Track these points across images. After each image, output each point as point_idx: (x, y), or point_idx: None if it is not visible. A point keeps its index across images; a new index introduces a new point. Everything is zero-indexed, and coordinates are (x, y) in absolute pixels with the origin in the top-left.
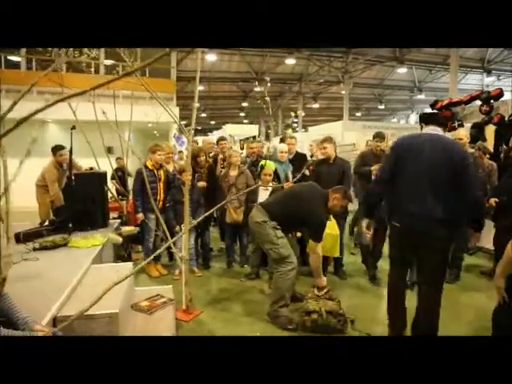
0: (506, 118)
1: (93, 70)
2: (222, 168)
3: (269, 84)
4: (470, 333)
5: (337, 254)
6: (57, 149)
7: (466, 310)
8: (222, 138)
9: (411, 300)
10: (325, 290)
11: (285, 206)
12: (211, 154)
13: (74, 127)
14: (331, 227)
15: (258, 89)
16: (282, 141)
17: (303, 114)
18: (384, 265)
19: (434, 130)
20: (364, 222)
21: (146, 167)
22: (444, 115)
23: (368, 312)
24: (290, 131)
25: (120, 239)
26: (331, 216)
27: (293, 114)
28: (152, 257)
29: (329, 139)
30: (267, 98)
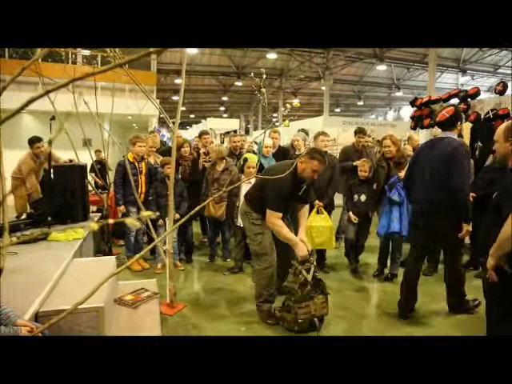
0: (482, 117)
1: (70, 59)
2: (204, 162)
3: (264, 76)
4: (448, 321)
5: (332, 247)
6: (34, 141)
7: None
8: (204, 132)
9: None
10: (312, 269)
11: (257, 186)
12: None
13: (53, 118)
14: (324, 220)
15: (239, 83)
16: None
17: (283, 109)
18: (366, 258)
19: (443, 133)
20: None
21: (127, 160)
22: (442, 120)
23: (351, 304)
24: (286, 122)
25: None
26: (322, 209)
27: (288, 106)
28: (142, 253)
29: (326, 133)
30: (263, 89)
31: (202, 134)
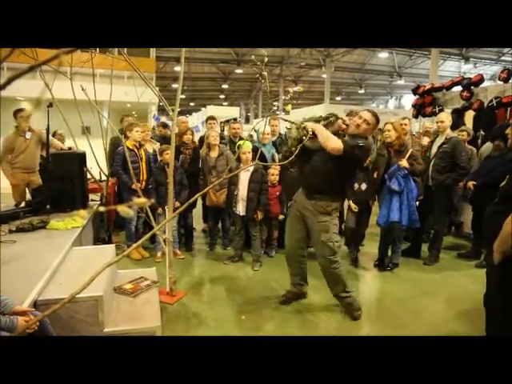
0: (485, 105)
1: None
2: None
3: (266, 59)
4: (448, 312)
5: None
6: (17, 111)
7: (444, 291)
8: (211, 117)
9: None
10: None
11: None
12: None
13: (50, 105)
14: None
15: (239, 71)
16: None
17: (283, 97)
18: (367, 247)
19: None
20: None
21: (127, 147)
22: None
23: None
24: (289, 107)
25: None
26: None
27: (290, 90)
28: (141, 242)
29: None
30: (265, 73)
31: (208, 118)
